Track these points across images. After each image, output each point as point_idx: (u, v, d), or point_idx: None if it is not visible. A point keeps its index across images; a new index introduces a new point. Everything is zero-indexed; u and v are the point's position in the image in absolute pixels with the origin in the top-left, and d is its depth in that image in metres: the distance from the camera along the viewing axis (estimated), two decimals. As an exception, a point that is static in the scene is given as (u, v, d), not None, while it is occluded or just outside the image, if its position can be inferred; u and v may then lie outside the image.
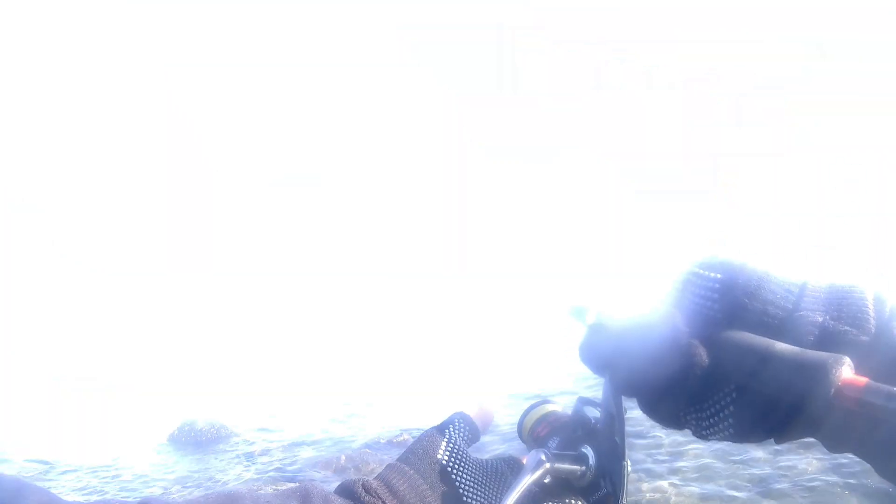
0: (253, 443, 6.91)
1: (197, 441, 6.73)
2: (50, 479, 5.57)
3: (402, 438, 6.16)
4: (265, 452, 6.37)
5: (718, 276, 0.42)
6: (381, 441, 6.23)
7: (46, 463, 6.23)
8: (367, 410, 8.51)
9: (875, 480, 3.51)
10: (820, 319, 0.40)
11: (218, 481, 5.35)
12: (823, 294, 0.41)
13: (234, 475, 5.48)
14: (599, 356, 0.47)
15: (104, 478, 5.57)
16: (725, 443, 0.40)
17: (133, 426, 8.38)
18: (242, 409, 9.14)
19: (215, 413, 8.72)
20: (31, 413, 10.30)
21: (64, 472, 5.85)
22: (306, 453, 6.14)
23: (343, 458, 5.62)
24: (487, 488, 0.56)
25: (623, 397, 0.47)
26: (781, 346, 0.38)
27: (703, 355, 0.40)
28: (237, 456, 6.36)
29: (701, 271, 0.43)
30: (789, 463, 3.95)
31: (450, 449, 0.57)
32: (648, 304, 0.46)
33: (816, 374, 0.35)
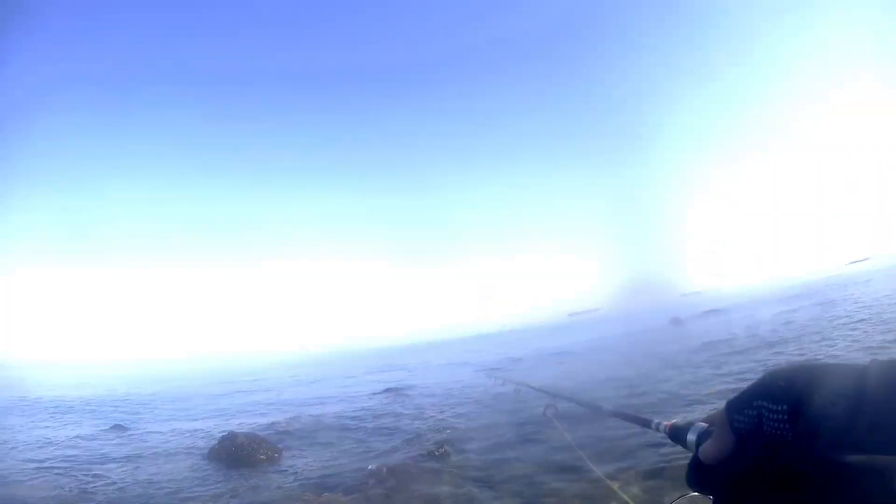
0: (293, 455, 6.84)
1: (238, 455, 6.70)
2: (92, 492, 5.60)
3: (441, 451, 5.97)
4: (305, 465, 6.28)
5: (785, 406, 0.52)
6: (423, 452, 6.06)
7: (92, 475, 6.30)
8: (406, 419, 8.36)
9: None
10: (882, 421, 0.49)
11: (260, 494, 5.27)
12: (882, 392, 0.49)
13: (274, 489, 5.40)
14: (704, 485, 0.61)
15: (146, 490, 5.56)
16: None
17: (174, 438, 8.45)
18: (280, 422, 9.13)
19: (254, 426, 8.73)
20: (62, 421, 10.56)
21: (107, 485, 5.87)
22: (347, 465, 6.01)
23: (385, 469, 5.47)
24: None
25: None
26: (850, 459, 0.48)
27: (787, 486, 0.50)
28: (277, 469, 6.29)
29: (770, 405, 0.53)
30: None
31: None
32: (727, 432, 0.57)
33: (883, 482, 0.47)
